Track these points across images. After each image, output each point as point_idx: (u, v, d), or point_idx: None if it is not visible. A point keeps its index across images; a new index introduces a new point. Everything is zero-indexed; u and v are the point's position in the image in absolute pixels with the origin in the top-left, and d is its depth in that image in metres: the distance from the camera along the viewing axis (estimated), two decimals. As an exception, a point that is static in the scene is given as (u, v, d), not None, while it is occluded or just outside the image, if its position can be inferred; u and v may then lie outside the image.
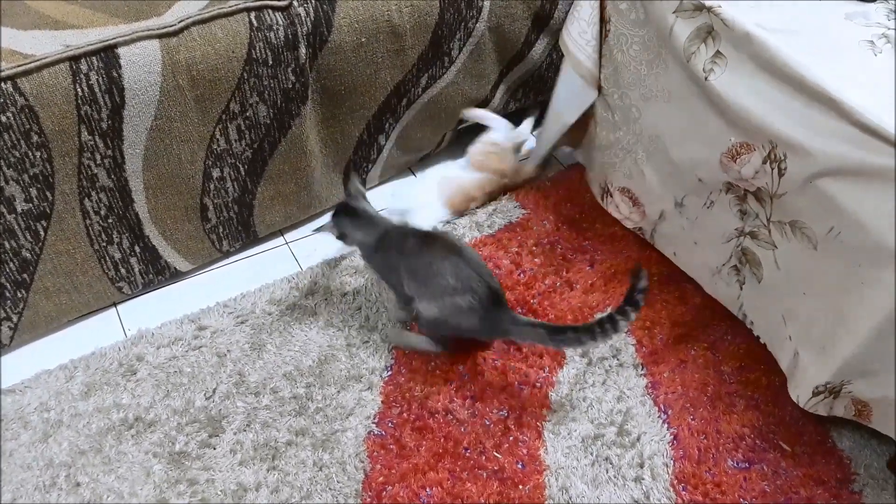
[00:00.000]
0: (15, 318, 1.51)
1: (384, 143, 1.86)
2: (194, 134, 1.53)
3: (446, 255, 1.40)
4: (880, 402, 1.28)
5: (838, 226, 1.19)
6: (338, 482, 1.32)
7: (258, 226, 1.75)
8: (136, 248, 1.59)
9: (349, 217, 1.50)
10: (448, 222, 1.82)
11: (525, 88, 2.01)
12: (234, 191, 1.66)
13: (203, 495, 1.30)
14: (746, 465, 1.38)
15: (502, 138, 1.87)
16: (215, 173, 1.61)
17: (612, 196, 1.73)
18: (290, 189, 1.75)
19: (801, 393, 1.35)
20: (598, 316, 1.46)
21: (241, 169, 1.65)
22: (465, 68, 1.83)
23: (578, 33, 1.65)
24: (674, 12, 1.38)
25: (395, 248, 1.46)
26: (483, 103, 1.93)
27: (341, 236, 1.51)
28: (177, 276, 1.70)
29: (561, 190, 1.92)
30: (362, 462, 1.35)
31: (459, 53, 1.79)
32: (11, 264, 1.45)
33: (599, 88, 1.67)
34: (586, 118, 1.77)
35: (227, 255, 1.76)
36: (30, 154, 1.37)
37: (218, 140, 1.57)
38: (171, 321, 1.58)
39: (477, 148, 1.86)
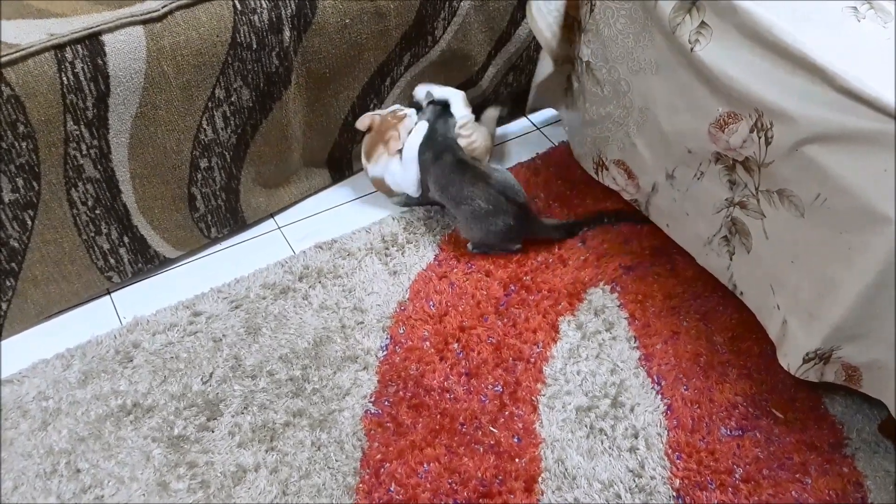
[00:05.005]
0: (4, 306, 1.51)
1: None
2: (179, 123, 1.53)
3: (475, 181, 1.62)
4: (870, 366, 1.29)
5: (824, 192, 1.20)
6: (336, 461, 1.34)
7: (245, 211, 1.75)
8: (125, 239, 1.60)
9: (436, 108, 1.72)
10: None
11: (515, 71, 2.00)
12: (221, 179, 1.66)
13: (203, 477, 1.31)
14: (740, 432, 1.40)
15: (467, 115, 1.80)
16: (203, 163, 1.61)
17: (607, 169, 1.73)
18: (271, 172, 1.75)
19: (791, 360, 1.36)
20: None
21: (227, 156, 1.64)
22: (450, 48, 1.82)
23: (544, 1, 1.65)
24: (658, -17, 1.37)
25: (434, 152, 1.67)
26: (469, 85, 1.92)
27: (418, 107, 1.75)
28: (165, 263, 1.70)
29: (551, 167, 1.93)
30: (360, 440, 1.37)
31: (444, 33, 1.79)
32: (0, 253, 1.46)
33: (569, 63, 1.66)
34: (566, 82, 1.77)
35: (216, 241, 1.76)
36: (16, 144, 1.37)
37: (205, 130, 1.57)
38: (165, 308, 1.58)
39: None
